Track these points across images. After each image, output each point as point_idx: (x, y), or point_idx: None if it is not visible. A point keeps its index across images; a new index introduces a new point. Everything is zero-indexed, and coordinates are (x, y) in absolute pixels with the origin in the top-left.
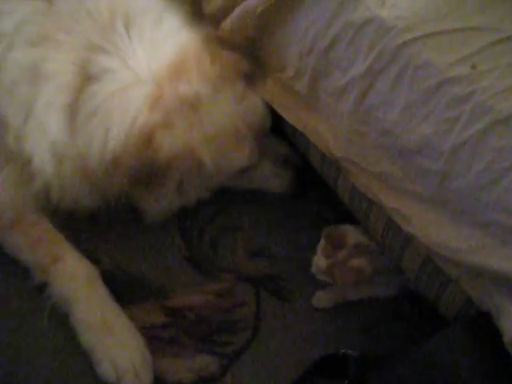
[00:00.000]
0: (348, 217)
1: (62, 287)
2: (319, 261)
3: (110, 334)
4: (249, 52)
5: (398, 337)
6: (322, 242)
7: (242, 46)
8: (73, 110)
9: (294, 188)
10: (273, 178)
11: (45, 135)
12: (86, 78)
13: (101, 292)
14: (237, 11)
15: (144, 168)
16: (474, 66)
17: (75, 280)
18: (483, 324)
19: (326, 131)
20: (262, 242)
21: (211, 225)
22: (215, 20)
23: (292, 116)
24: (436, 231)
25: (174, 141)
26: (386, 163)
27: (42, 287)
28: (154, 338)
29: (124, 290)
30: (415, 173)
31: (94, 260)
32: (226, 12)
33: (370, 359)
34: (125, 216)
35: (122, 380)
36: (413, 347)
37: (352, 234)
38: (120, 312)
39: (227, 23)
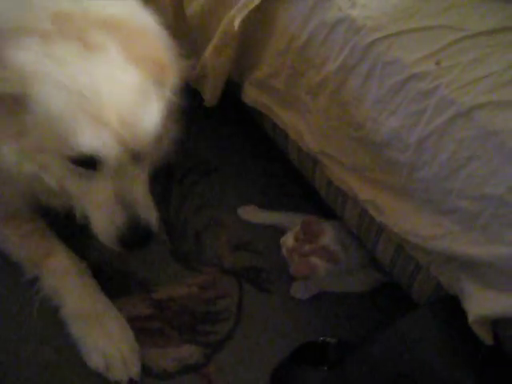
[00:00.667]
0: (327, 211)
1: (53, 281)
2: (287, 239)
3: (100, 325)
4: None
5: (375, 325)
6: (299, 226)
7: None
8: None
9: None
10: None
11: None
12: None
13: (90, 285)
14: (217, 35)
15: None
16: (438, 63)
17: (66, 274)
18: (450, 305)
19: (304, 127)
20: (244, 235)
21: (195, 219)
22: (198, 23)
23: (273, 114)
24: (406, 220)
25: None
26: (359, 156)
27: (32, 281)
28: (139, 329)
29: (111, 283)
30: (386, 164)
31: (82, 255)
32: (208, 14)
33: (349, 345)
34: None
35: (111, 369)
36: (385, 328)
37: (327, 235)
38: (109, 304)
39: (209, 48)
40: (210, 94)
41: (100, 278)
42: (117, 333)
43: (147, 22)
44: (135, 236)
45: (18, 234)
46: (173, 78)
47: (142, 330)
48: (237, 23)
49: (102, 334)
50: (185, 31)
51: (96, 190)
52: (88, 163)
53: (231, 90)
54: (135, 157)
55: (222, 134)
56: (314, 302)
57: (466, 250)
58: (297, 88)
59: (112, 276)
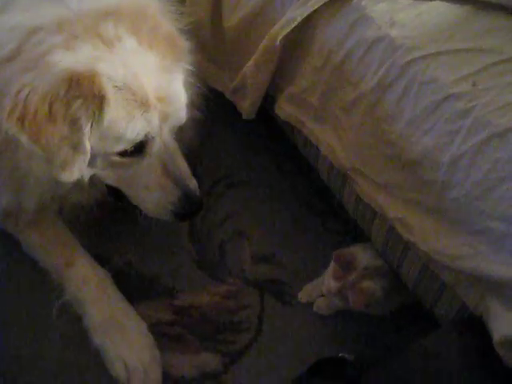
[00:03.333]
0: (353, 228)
1: (74, 291)
2: (330, 283)
3: (121, 334)
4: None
5: (393, 343)
6: (332, 264)
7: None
8: None
9: None
10: None
11: None
12: None
13: (112, 294)
14: (259, 51)
15: None
16: (474, 84)
17: (87, 284)
18: (475, 325)
19: (336, 143)
20: (268, 248)
21: (220, 229)
22: (235, 36)
23: (305, 129)
24: (435, 239)
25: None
26: (390, 174)
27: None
28: (160, 334)
29: (134, 288)
30: (417, 183)
31: (107, 259)
32: (246, 28)
33: (366, 363)
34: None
35: (132, 379)
36: (407, 345)
37: (361, 256)
38: (130, 312)
39: (250, 63)
40: (249, 108)
41: (124, 282)
42: (137, 341)
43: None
44: (190, 206)
45: (42, 241)
46: (185, 51)
47: (163, 336)
48: (279, 39)
49: (123, 343)
50: (220, 43)
51: (144, 172)
52: (136, 150)
53: (262, 105)
54: (174, 132)
55: (252, 148)
56: (334, 317)
57: (494, 271)
58: (331, 104)
59: (136, 280)
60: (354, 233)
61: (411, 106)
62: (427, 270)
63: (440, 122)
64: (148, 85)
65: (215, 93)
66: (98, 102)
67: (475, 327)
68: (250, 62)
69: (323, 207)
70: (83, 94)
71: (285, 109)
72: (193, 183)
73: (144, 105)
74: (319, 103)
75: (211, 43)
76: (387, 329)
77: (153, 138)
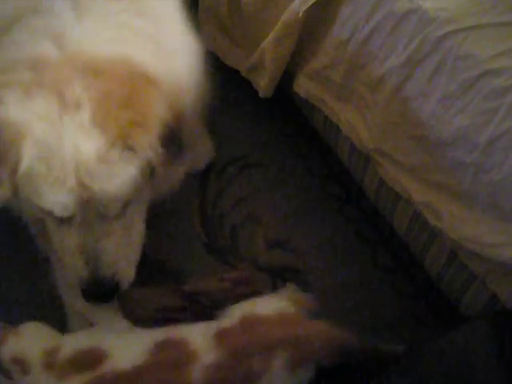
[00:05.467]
0: (371, 212)
1: None
2: None
3: None
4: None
5: (413, 337)
6: None
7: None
8: None
9: None
10: None
11: None
12: None
13: None
14: (278, 26)
15: None
16: None
17: None
18: (508, 319)
19: (359, 123)
20: (282, 233)
21: (232, 213)
22: (253, 11)
23: (326, 107)
24: (466, 226)
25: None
26: (418, 155)
27: None
28: (168, 320)
29: (143, 272)
30: (448, 165)
31: None
32: (264, 2)
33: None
34: None
35: None
36: (435, 340)
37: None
38: None
39: (269, 39)
40: (267, 85)
41: None
42: None
43: (150, 67)
44: (93, 290)
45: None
46: (156, 135)
47: (170, 321)
48: (301, 13)
49: None
50: (238, 19)
51: (65, 238)
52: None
53: (279, 83)
54: (102, 215)
55: (266, 130)
56: (353, 309)
57: None
58: (355, 81)
59: (145, 264)
60: (372, 220)
61: (444, 82)
62: (454, 259)
63: (476, 99)
64: (72, 167)
65: (229, 71)
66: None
67: (509, 320)
68: (270, 37)
69: (340, 192)
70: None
71: (304, 86)
72: (108, 269)
73: (59, 182)
74: (342, 80)
75: (228, 19)
76: (407, 319)
77: (63, 215)
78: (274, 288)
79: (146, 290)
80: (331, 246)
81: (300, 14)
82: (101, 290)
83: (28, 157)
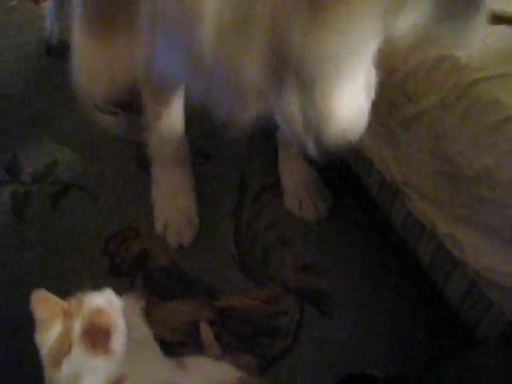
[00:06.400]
0: (396, 243)
1: None
2: None
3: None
4: None
5: (428, 361)
6: None
7: None
8: None
9: None
10: None
11: None
12: None
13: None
14: None
15: None
16: None
17: None
18: None
19: (391, 157)
20: (311, 257)
21: (264, 236)
22: None
23: (362, 144)
24: (487, 256)
25: None
26: (445, 190)
27: None
28: (199, 332)
29: (177, 285)
30: (472, 200)
31: (153, 257)
32: None
33: (398, 380)
34: None
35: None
36: (450, 360)
37: None
38: None
39: None
40: None
41: (167, 279)
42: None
43: None
44: None
45: None
46: None
47: (202, 334)
48: None
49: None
50: None
51: None
52: None
53: None
54: None
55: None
56: (372, 333)
57: None
58: (389, 120)
59: (179, 278)
60: (396, 250)
61: (472, 124)
62: (474, 288)
63: (500, 141)
64: None
65: None
66: None
67: None
68: None
69: (368, 223)
70: None
71: None
72: None
73: None
74: (377, 118)
75: None
76: (423, 345)
77: None
78: (302, 309)
79: (181, 303)
80: (357, 273)
81: None
82: None
83: None
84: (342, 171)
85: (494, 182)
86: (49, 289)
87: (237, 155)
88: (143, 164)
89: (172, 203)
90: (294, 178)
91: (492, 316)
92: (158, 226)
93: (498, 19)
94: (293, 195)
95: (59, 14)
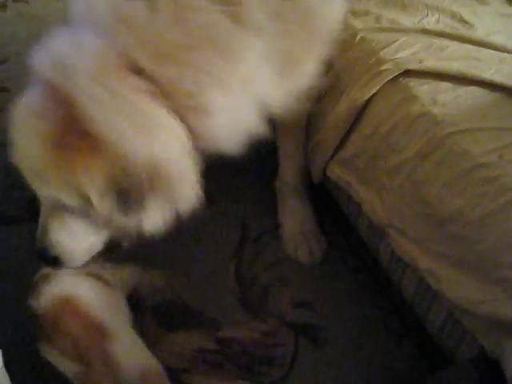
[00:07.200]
0: (384, 281)
1: None
2: None
3: None
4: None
5: None
6: None
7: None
8: None
9: None
10: None
11: None
12: None
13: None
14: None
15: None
16: (501, 156)
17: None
18: (490, 363)
19: (378, 202)
20: (307, 295)
21: (264, 274)
22: None
23: (351, 189)
24: (460, 287)
25: None
26: (424, 229)
27: None
28: (203, 361)
29: (182, 317)
30: (448, 238)
31: (159, 289)
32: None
33: None
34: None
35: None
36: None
37: None
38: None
39: (328, 127)
40: (320, 171)
41: (173, 312)
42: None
43: None
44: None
45: None
46: None
47: (205, 362)
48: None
49: None
50: None
51: None
52: None
53: None
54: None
55: None
56: (362, 363)
57: (509, 314)
58: (376, 168)
59: (184, 311)
60: (384, 288)
61: (446, 172)
62: (451, 316)
63: (470, 186)
64: None
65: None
66: None
67: (490, 364)
68: (329, 125)
69: (357, 263)
70: None
71: (335, 171)
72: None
73: None
74: (365, 167)
75: None
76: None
77: None
78: (297, 341)
79: (185, 333)
80: (348, 309)
81: (358, 103)
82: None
83: None
84: (334, 214)
85: (466, 220)
86: None
87: (239, 200)
88: None
89: None
90: (290, 223)
91: (467, 343)
92: None
93: (469, 81)
94: (290, 239)
95: None
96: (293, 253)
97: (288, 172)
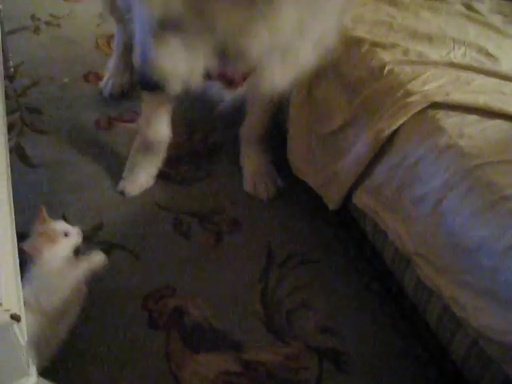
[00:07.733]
0: (409, 310)
1: None
2: None
3: None
4: None
5: None
6: None
7: None
8: None
9: None
10: None
11: None
12: None
13: None
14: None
15: None
16: None
17: None
18: None
19: (404, 231)
20: (330, 320)
21: (288, 299)
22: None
23: (377, 217)
24: (486, 316)
25: None
26: (450, 259)
27: None
28: (227, 383)
29: (208, 339)
30: (473, 267)
31: (188, 313)
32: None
33: None
34: None
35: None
36: None
37: None
38: None
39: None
40: (337, 199)
41: (199, 333)
42: None
43: None
44: None
45: None
46: None
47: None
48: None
49: None
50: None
51: None
52: None
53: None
54: None
55: (322, 232)
56: None
57: None
58: (402, 197)
59: (210, 333)
60: (408, 314)
61: (472, 203)
62: (475, 346)
63: (496, 217)
64: None
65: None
66: None
67: None
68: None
69: (382, 290)
70: None
71: (362, 199)
72: None
73: None
74: (392, 196)
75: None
76: None
77: None
78: (321, 365)
79: (211, 355)
80: (371, 334)
81: (384, 134)
82: None
83: None
84: (360, 243)
85: (491, 251)
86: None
87: (264, 226)
88: (180, 230)
89: None
90: (251, 166)
91: (492, 373)
92: None
93: (495, 115)
94: (250, 179)
95: (118, 72)
96: (252, 190)
97: (253, 126)
